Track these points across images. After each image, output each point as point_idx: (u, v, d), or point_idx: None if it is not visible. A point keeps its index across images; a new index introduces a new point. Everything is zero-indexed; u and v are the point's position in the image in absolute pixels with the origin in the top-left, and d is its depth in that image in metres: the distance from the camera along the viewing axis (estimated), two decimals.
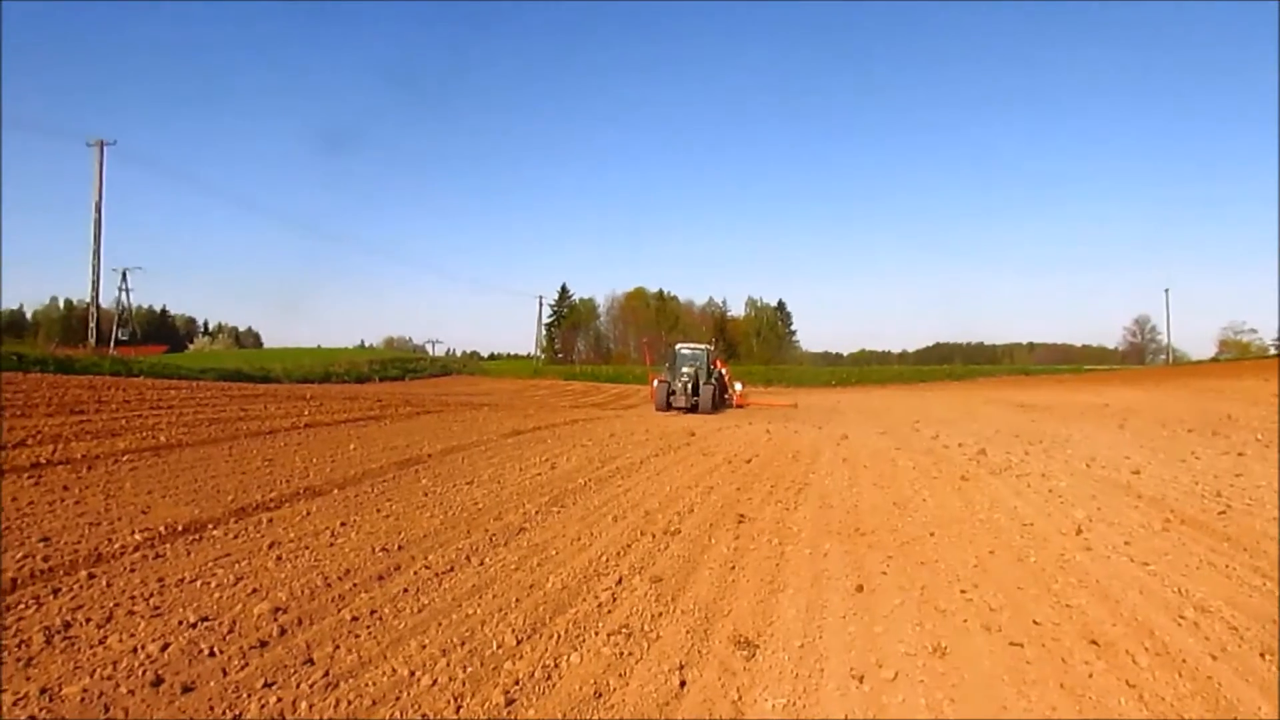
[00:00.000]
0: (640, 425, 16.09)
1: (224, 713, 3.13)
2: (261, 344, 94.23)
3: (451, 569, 5.13)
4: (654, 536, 6.17)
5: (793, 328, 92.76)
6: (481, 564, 5.29)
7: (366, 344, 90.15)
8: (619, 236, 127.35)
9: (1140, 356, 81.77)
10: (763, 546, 6.03)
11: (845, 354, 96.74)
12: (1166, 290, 69.41)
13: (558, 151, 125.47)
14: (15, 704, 3.09)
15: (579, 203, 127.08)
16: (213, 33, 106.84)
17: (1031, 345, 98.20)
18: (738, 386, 29.52)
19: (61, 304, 78.50)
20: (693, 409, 24.07)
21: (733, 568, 5.46)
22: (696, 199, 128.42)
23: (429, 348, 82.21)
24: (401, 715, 3.16)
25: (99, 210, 36.79)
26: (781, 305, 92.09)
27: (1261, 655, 4.03)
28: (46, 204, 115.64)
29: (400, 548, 5.51)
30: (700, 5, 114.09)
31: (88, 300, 39.48)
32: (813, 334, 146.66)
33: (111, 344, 46.77)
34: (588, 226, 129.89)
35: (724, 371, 29.12)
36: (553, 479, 8.45)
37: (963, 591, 5.02)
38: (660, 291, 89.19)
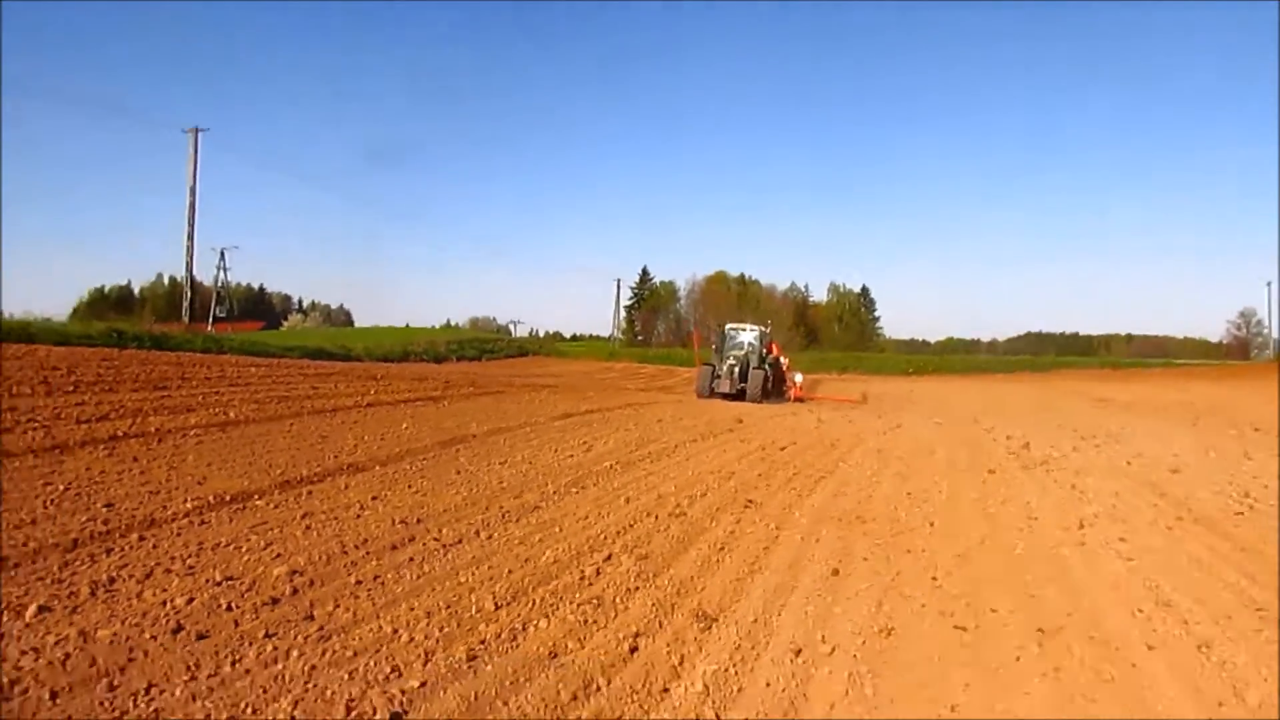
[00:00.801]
0: (693, 411, 16.45)
1: (226, 657, 3.64)
2: (352, 322, 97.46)
3: (460, 541, 5.61)
4: (657, 518, 6.55)
5: (876, 314, 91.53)
6: (489, 538, 5.76)
7: (453, 324, 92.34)
8: (702, 220, 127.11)
9: (1245, 351, 78.28)
10: (759, 531, 6.36)
11: (932, 341, 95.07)
12: (1269, 283, 66.41)
13: (642, 134, 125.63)
14: (56, 644, 3.64)
15: (662, 185, 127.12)
16: (294, 21, 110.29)
17: (1129, 337, 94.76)
18: (798, 378, 26.17)
19: (166, 281, 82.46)
20: (739, 395, 22.31)
21: (721, 549, 5.81)
22: (781, 181, 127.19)
23: (511, 328, 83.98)
24: (375, 665, 3.62)
25: (193, 193, 39.05)
26: (865, 291, 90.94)
27: (1199, 648, 4.19)
28: (155, 187, 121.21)
29: (419, 521, 6.03)
30: None
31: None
32: (899, 320, 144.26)
33: (210, 320, 49.37)
34: (670, 208, 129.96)
35: (782, 359, 26.63)
36: (583, 461, 8.90)
37: (934, 579, 5.26)
38: (741, 276, 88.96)
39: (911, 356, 58.51)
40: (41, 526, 5.34)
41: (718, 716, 3.35)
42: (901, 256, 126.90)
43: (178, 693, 3.28)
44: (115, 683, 3.33)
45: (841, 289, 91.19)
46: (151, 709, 3.15)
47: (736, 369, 22.90)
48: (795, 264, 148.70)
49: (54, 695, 3.19)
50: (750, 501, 7.30)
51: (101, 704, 3.16)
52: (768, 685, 3.65)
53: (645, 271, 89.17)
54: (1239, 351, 78.67)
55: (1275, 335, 68.94)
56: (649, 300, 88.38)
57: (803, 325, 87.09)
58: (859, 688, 3.67)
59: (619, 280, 79.66)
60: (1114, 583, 5.29)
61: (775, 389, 24.53)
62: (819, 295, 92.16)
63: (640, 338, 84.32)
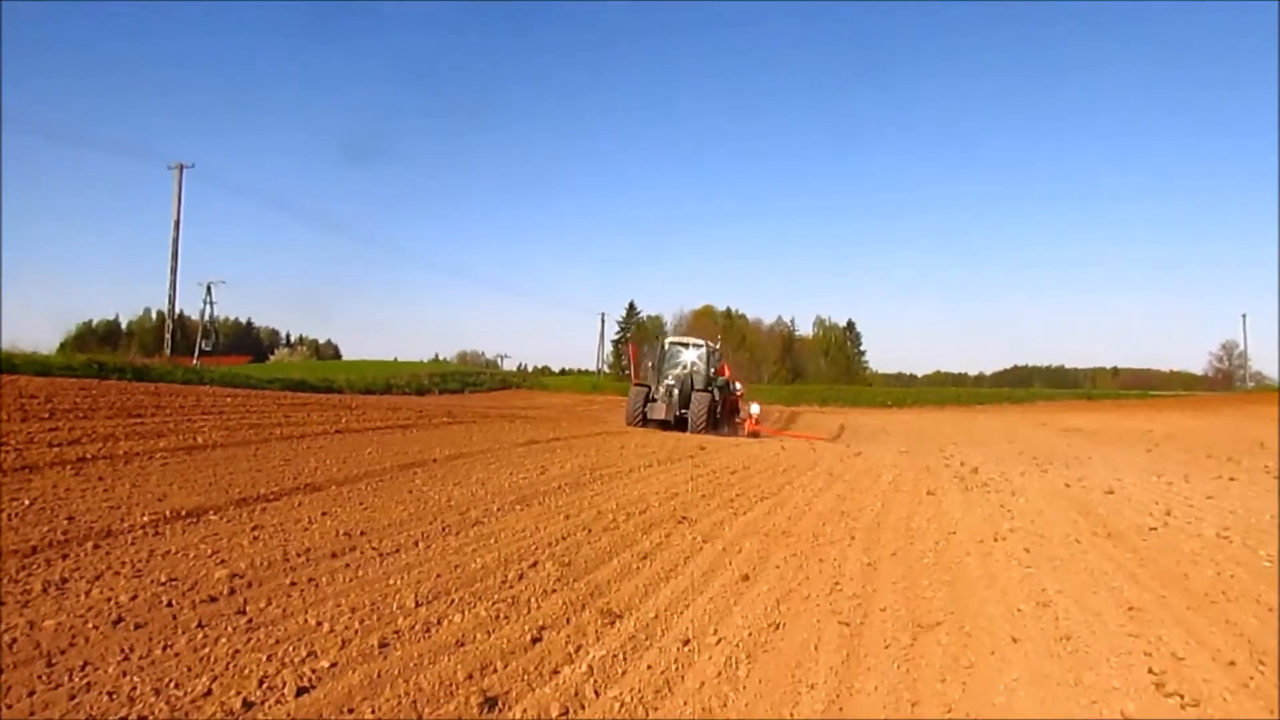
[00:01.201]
0: (659, 440, 16.83)
1: (158, 643, 4.00)
2: (340, 355, 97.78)
3: (397, 550, 5.98)
4: (591, 531, 6.92)
5: (862, 348, 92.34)
6: (426, 548, 6.13)
7: (440, 358, 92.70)
8: (689, 254, 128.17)
9: (1229, 383, 79.13)
10: (685, 543, 6.74)
11: (919, 375, 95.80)
12: (1244, 315, 67.68)
13: (631, 170, 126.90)
14: (5, 631, 4.00)
15: (647, 219, 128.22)
16: (276, 50, 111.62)
17: (1115, 370, 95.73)
18: (754, 409, 24.28)
19: (154, 315, 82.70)
20: (678, 424, 19.38)
21: (644, 558, 6.19)
22: (769, 215, 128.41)
23: (499, 361, 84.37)
24: (293, 650, 3.99)
25: (177, 228, 39.62)
26: (851, 325, 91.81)
27: (1059, 639, 4.59)
28: (147, 222, 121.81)
29: (362, 533, 6.39)
30: (779, 21, 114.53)
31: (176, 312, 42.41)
32: (887, 355, 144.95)
33: (195, 354, 49.72)
34: (658, 243, 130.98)
35: (736, 385, 23.83)
36: (534, 482, 9.26)
37: (836, 584, 5.65)
38: (728, 310, 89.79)
39: (891, 390, 58.86)
40: (3, 536, 5.69)
41: (595, 693, 3.72)
42: (889, 291, 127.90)
43: (110, 670, 3.64)
44: (54, 661, 3.70)
45: (827, 323, 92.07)
46: (84, 682, 3.51)
47: (676, 391, 20.25)
48: (782, 298, 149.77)
49: None
50: (685, 518, 7.68)
51: (40, 678, 3.52)
52: (649, 668, 4.03)
53: (632, 306, 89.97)
54: (1223, 383, 79.51)
55: (1255, 367, 69.90)
56: (636, 334, 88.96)
57: (789, 359, 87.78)
58: (732, 669, 4.06)
59: (603, 314, 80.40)
60: (1005, 587, 5.68)
61: (725, 418, 22.05)
62: (805, 329, 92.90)
63: (626, 371, 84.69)
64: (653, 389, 20.46)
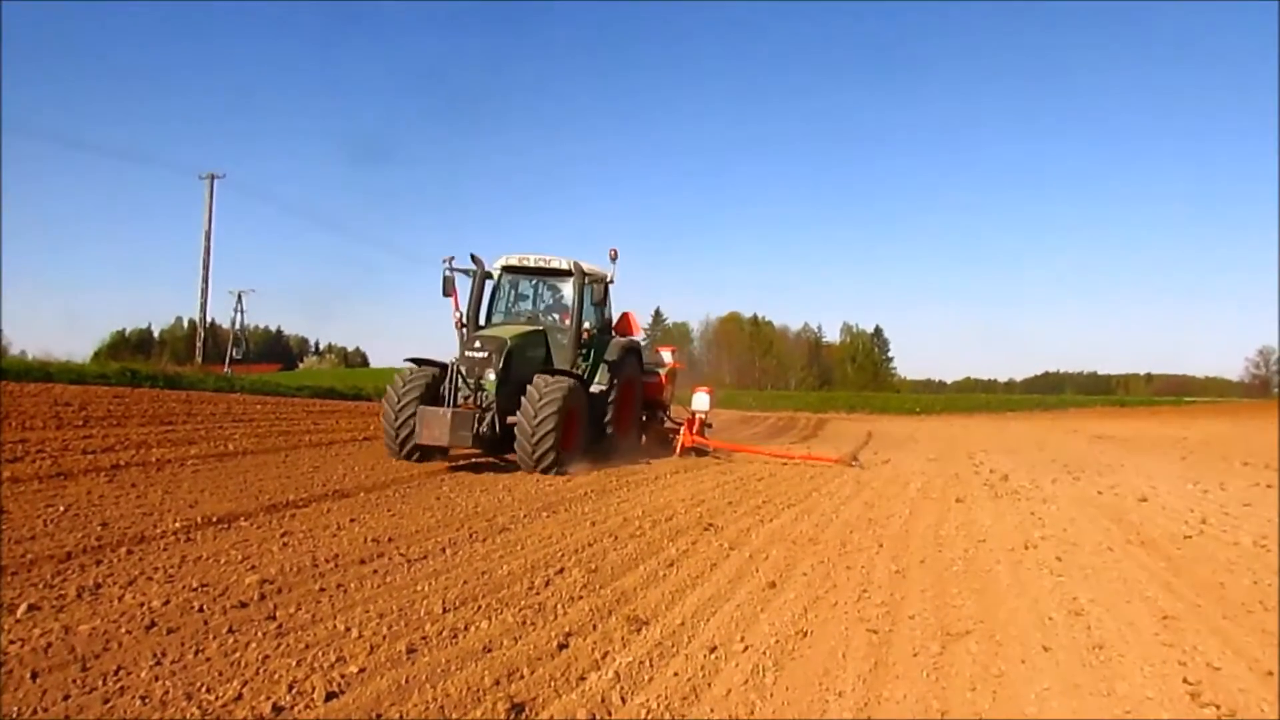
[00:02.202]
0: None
1: (190, 648, 4.05)
2: (368, 363, 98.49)
3: (425, 557, 6.02)
4: (617, 538, 6.92)
5: (890, 354, 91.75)
6: (454, 554, 6.16)
7: None
8: (715, 261, 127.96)
9: (1266, 389, 77.86)
10: (711, 550, 6.72)
11: (948, 381, 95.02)
12: None
13: (660, 176, 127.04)
14: (40, 635, 4.06)
15: (676, 225, 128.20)
16: (293, 57, 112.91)
17: (1149, 376, 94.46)
18: (701, 402, 14.60)
19: (185, 324, 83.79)
20: (492, 441, 10.82)
21: (671, 565, 6.18)
22: (798, 221, 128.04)
23: None
24: (323, 655, 4.01)
25: (209, 238, 40.12)
26: (879, 331, 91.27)
27: (1092, 648, 4.53)
28: (182, 232, 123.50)
29: (390, 540, 6.43)
30: (798, 25, 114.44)
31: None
32: (916, 361, 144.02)
33: (226, 362, 50.36)
34: (684, 249, 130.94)
35: (664, 358, 15.56)
36: (560, 489, 9.30)
37: (864, 592, 5.61)
38: (755, 316, 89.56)
39: (919, 396, 58.39)
40: (39, 541, 5.80)
41: (622, 699, 3.71)
42: (918, 297, 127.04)
43: (143, 674, 3.68)
44: (88, 666, 3.75)
45: (854, 329, 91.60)
46: (118, 686, 3.56)
47: (490, 372, 10.83)
48: (809, 304, 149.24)
49: (34, 675, 3.60)
50: (711, 525, 7.66)
51: (74, 682, 3.57)
52: (675, 675, 4.02)
53: (658, 312, 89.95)
54: (1260, 390, 78.22)
55: None
56: (662, 340, 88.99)
57: (816, 366, 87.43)
58: (759, 677, 4.04)
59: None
60: (1036, 595, 5.62)
61: (636, 425, 13.90)
62: (832, 336, 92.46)
63: None
64: (442, 386, 10.67)
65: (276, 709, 3.39)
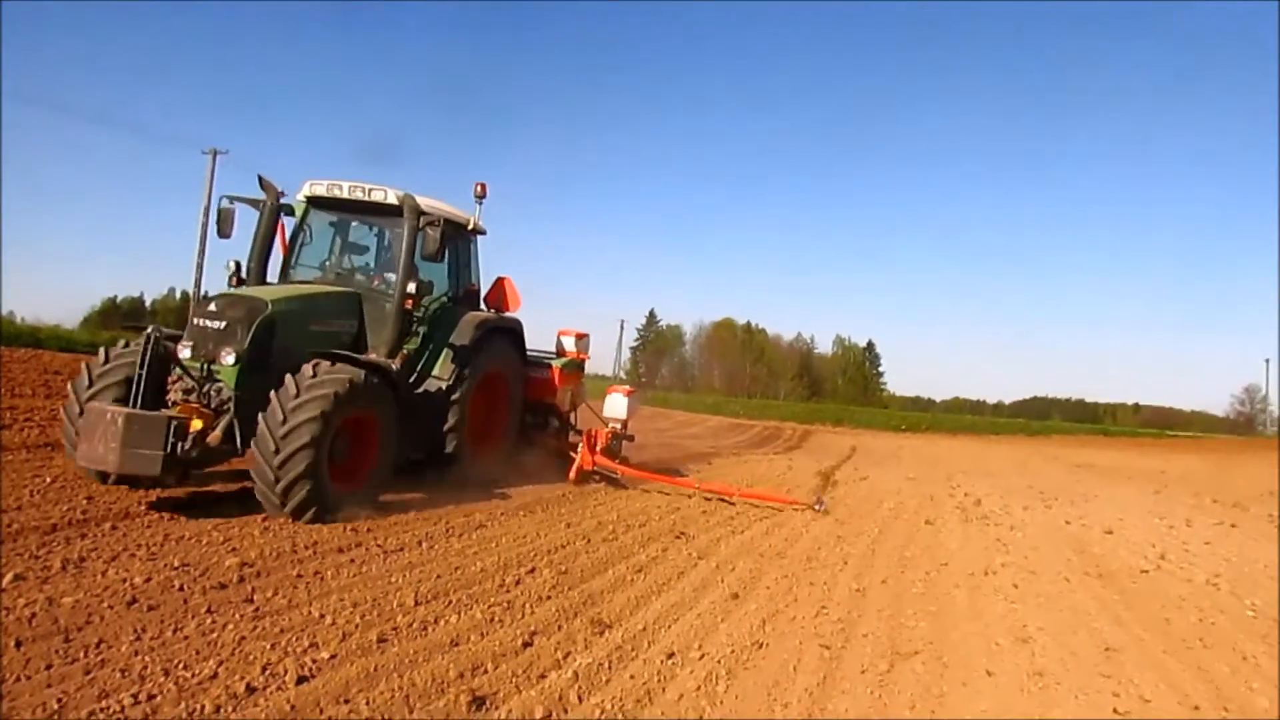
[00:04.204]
0: (666, 447, 17.01)
1: (169, 625, 4.23)
2: None
3: (402, 549, 6.20)
4: (590, 541, 7.12)
5: (881, 369, 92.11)
6: (430, 548, 6.35)
7: None
8: (711, 266, 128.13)
9: (1251, 426, 78.51)
10: (680, 558, 6.92)
11: (938, 400, 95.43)
12: (1267, 360, 67.50)
13: (658, 180, 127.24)
14: (25, 606, 4.24)
15: (673, 229, 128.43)
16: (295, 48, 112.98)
17: (1137, 406, 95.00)
18: (617, 406, 11.56)
19: (179, 294, 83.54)
20: (188, 459, 6.63)
21: (639, 571, 6.37)
22: (793, 230, 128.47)
23: None
24: (297, 640, 4.20)
25: (207, 213, 40.10)
26: (871, 346, 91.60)
27: (1032, 674, 4.74)
28: (172, 204, 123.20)
29: (369, 530, 6.62)
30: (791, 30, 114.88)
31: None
32: (906, 378, 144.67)
33: None
34: (681, 254, 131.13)
35: (556, 361, 11.24)
36: (539, 489, 9.47)
37: (823, 608, 5.81)
38: (748, 323, 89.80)
39: (906, 414, 58.72)
40: (26, 512, 5.98)
41: (579, 698, 3.91)
42: (913, 314, 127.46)
43: (123, 649, 3.87)
44: (70, 637, 3.93)
45: (847, 342, 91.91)
46: (99, 659, 3.74)
47: (231, 359, 7.05)
48: (803, 314, 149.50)
49: (19, 643, 3.78)
50: (683, 533, 7.86)
51: (56, 652, 3.75)
52: (632, 678, 4.21)
53: (653, 314, 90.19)
54: (1244, 426, 78.86)
55: (1277, 412, 69.44)
56: (655, 343, 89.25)
57: (806, 376, 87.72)
58: (712, 684, 4.24)
59: (623, 321, 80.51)
60: (988, 621, 5.83)
61: (503, 437, 10.20)
62: (825, 347, 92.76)
63: (645, 380, 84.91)
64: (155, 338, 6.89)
65: (250, 689, 3.57)
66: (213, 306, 7.41)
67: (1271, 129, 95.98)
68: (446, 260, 9.45)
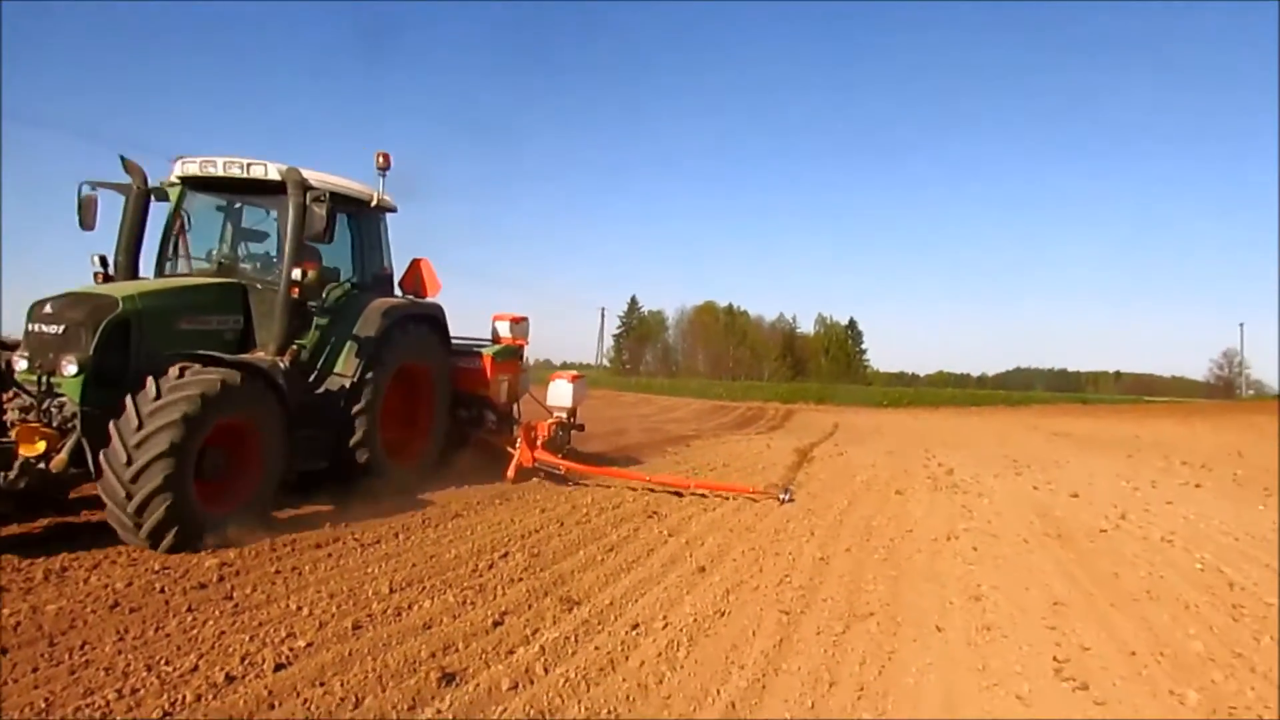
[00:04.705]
0: (641, 432, 17.24)
1: (151, 625, 4.42)
2: None
3: (378, 541, 6.41)
4: (563, 524, 7.34)
5: (863, 346, 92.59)
6: (406, 539, 6.56)
7: None
8: (691, 249, 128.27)
9: (1230, 391, 79.43)
10: (651, 536, 7.15)
11: (922, 375, 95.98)
12: (1241, 324, 68.68)
13: (635, 163, 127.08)
14: (9, 615, 4.42)
15: (651, 214, 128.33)
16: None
17: (1118, 374, 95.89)
18: (560, 392, 10.94)
19: None
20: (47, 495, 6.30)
21: (611, 550, 6.60)
22: (774, 212, 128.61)
23: None
24: (275, 631, 4.39)
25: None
26: (853, 324, 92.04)
27: (980, 629, 4.99)
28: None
29: (346, 525, 6.81)
30: (763, 23, 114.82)
31: None
32: (890, 354, 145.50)
33: None
34: (660, 238, 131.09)
35: (487, 350, 10.34)
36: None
37: (787, 577, 6.04)
38: (730, 306, 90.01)
39: (888, 390, 59.20)
40: (7, 525, 6.14)
41: (545, 670, 4.12)
42: (895, 290, 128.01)
43: (107, 649, 4.05)
44: (55, 642, 4.12)
45: (828, 321, 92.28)
46: (83, 660, 3.92)
47: (73, 369, 6.11)
48: (785, 295, 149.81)
49: (4, 650, 3.96)
50: (655, 513, 8.09)
51: (42, 656, 3.94)
52: (597, 649, 4.43)
53: (634, 301, 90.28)
54: (1222, 391, 79.72)
55: (1254, 375, 70.58)
56: (637, 329, 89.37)
57: (790, 356, 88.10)
58: (673, 651, 4.46)
59: (603, 309, 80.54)
60: (944, 582, 6.09)
61: (428, 440, 9.39)
62: (807, 327, 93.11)
63: (629, 366, 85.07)
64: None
65: (229, 679, 3.76)
66: (49, 309, 6.38)
67: (1250, 94, 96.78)
68: (352, 242, 8.78)
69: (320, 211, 7.30)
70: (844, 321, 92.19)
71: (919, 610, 5.36)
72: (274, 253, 8.30)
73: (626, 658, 4.37)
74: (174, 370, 6.15)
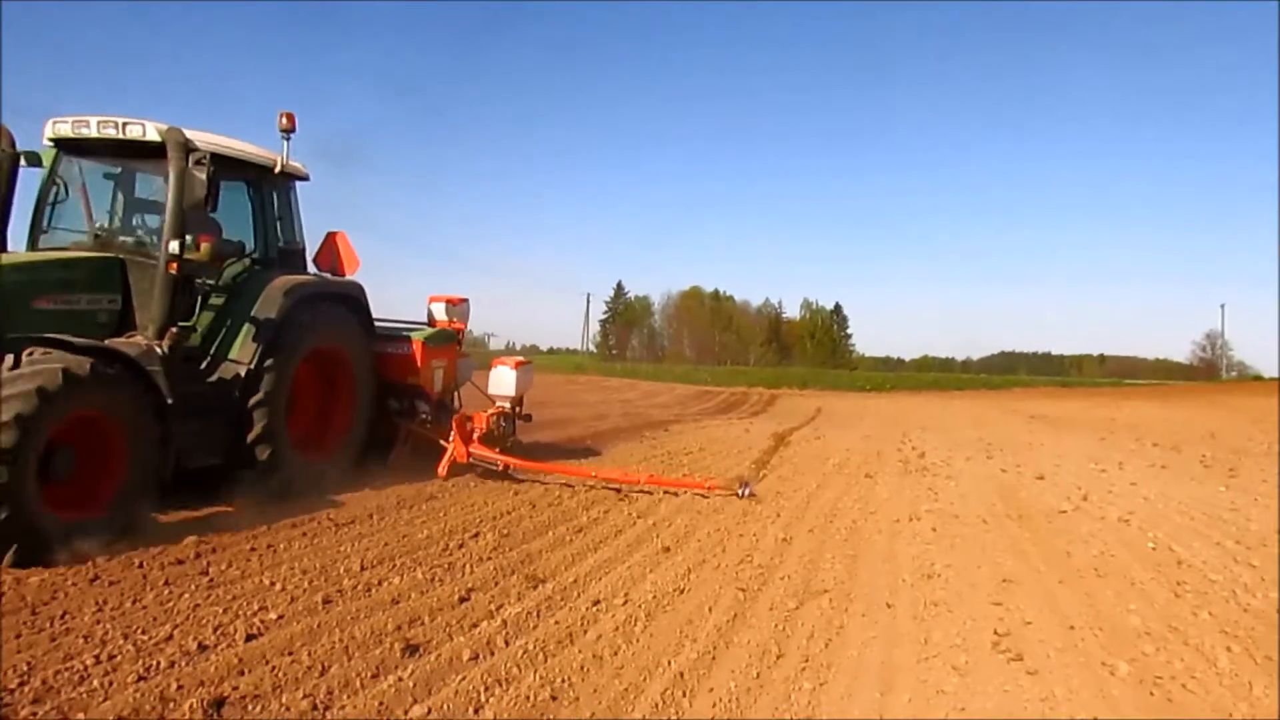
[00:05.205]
0: (621, 415, 17.44)
1: (129, 597, 4.60)
2: None
3: (352, 522, 6.60)
4: (535, 506, 7.55)
5: (849, 331, 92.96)
6: (381, 520, 6.75)
7: None
8: (676, 234, 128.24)
9: (1213, 373, 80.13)
10: (620, 518, 7.35)
11: (907, 359, 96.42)
12: (1222, 305, 69.38)
13: (621, 149, 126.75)
14: None
15: (638, 199, 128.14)
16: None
17: (1102, 358, 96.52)
18: (504, 383, 10.02)
19: None
20: None
21: (579, 531, 6.80)
22: (758, 196, 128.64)
23: (486, 340, 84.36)
24: (247, 604, 4.58)
25: None
26: (838, 308, 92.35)
27: (928, 604, 5.22)
28: None
29: (321, 506, 7.00)
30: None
31: None
32: (876, 339, 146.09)
33: None
34: (644, 223, 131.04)
35: (416, 334, 9.35)
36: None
37: (748, 556, 6.26)
38: (716, 291, 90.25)
39: (871, 374, 59.65)
40: None
41: (505, 642, 4.32)
42: (879, 275, 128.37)
43: (86, 619, 4.23)
44: (37, 611, 4.30)
45: (814, 306, 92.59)
46: (64, 628, 4.11)
47: None
48: (771, 280, 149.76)
49: None
50: (626, 496, 8.30)
51: (25, 624, 4.12)
52: (557, 623, 4.64)
53: (620, 286, 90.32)
54: (1205, 372, 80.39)
55: (1239, 357, 71.30)
56: (624, 315, 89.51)
57: (775, 341, 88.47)
58: (630, 625, 4.68)
59: (589, 294, 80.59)
60: (900, 561, 6.31)
61: (347, 435, 8.54)
62: (793, 312, 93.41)
63: (615, 352, 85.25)
64: None
65: (202, 647, 3.95)
66: None
67: (1240, 76, 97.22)
68: (253, 213, 7.95)
69: (201, 176, 6.39)
70: (829, 306, 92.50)
71: (872, 588, 5.59)
72: (123, 225, 7.55)
73: (585, 631, 4.57)
74: (10, 360, 5.33)
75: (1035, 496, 9.34)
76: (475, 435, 9.02)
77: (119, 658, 3.78)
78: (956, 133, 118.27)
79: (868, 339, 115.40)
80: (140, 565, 5.15)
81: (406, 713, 3.45)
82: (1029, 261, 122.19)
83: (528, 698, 3.67)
